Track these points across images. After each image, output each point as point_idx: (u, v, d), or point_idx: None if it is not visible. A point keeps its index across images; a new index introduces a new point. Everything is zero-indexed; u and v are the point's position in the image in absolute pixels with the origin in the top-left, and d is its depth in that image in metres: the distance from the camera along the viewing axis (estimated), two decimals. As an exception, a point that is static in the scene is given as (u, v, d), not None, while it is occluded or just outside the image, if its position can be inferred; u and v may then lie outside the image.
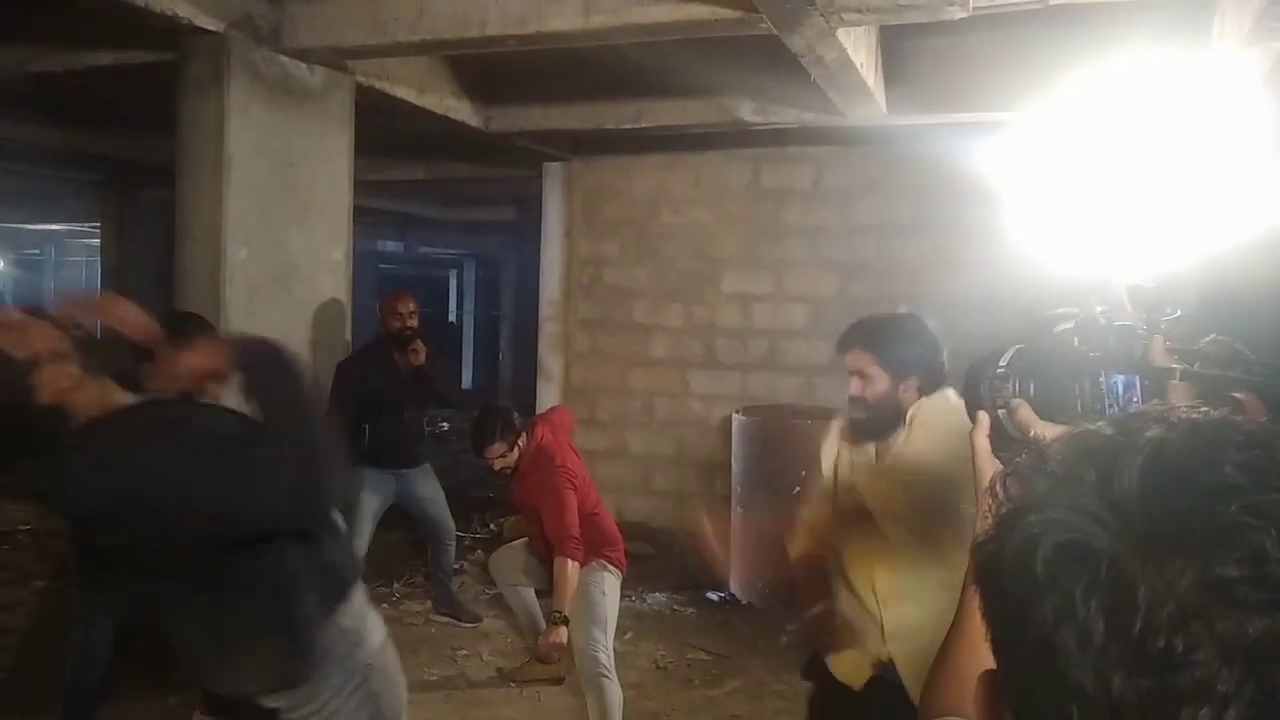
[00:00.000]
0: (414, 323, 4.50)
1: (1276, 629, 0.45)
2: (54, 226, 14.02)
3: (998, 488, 0.57)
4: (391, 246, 14.89)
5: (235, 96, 3.86)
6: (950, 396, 2.15)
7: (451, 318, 18.22)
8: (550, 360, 6.74)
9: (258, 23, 3.92)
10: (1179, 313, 3.23)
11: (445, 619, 4.95)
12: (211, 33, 3.76)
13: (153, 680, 3.83)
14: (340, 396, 4.31)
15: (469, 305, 17.51)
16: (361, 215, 11.93)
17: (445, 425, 12.08)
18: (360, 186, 8.70)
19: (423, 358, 4.46)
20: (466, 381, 16.42)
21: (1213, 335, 3.39)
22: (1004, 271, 5.49)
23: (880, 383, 2.13)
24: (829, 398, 6.10)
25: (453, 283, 18.54)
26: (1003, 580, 0.54)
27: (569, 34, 3.67)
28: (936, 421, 2.07)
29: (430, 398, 4.76)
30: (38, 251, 17.37)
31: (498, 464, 3.63)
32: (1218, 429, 0.53)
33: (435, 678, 4.27)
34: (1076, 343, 2.25)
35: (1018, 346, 1.23)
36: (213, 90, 3.83)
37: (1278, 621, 0.45)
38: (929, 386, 2.18)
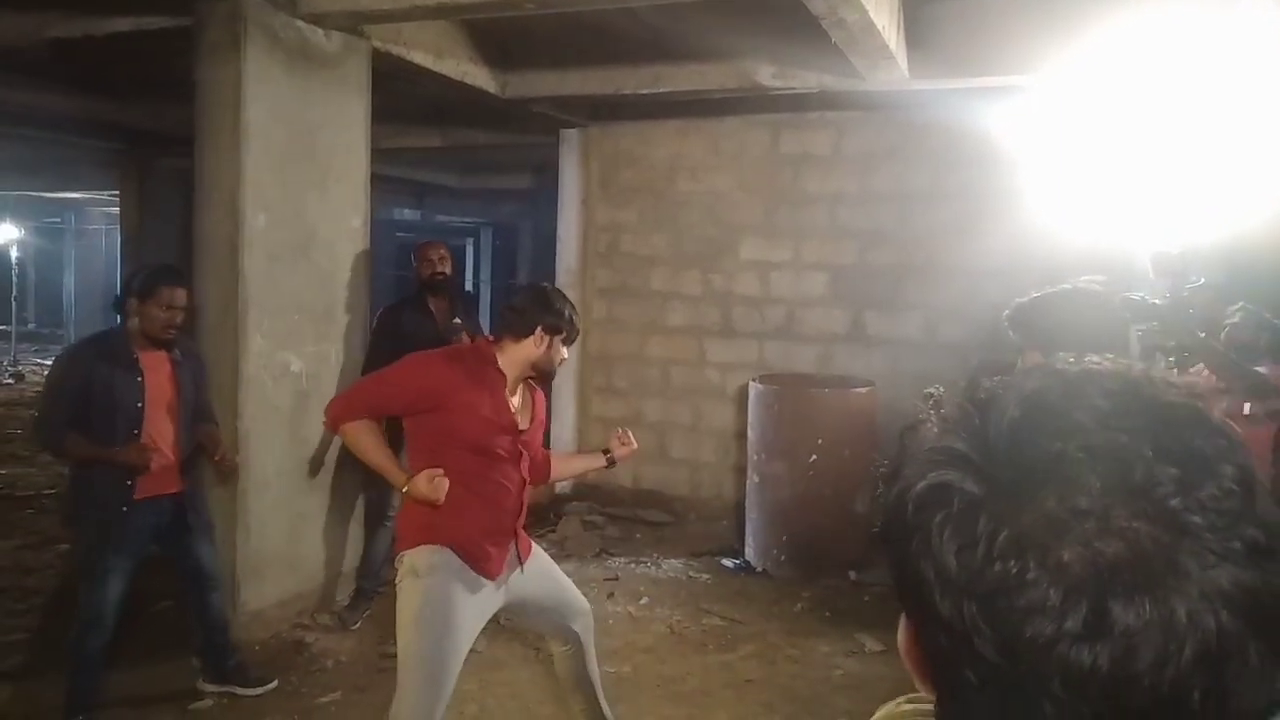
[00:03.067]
0: (445, 269, 4.61)
1: (1099, 558, 0.49)
2: (73, 195, 14.08)
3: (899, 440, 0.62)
4: (409, 214, 14.87)
5: (253, 62, 3.85)
6: None
7: (469, 286, 18.24)
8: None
9: (274, -13, 3.91)
10: (1202, 280, 3.16)
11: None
12: (228, -3, 3.75)
13: (172, 642, 3.91)
14: (378, 342, 4.50)
15: (485, 274, 17.50)
16: (378, 183, 11.90)
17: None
18: (377, 154, 8.68)
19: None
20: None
21: (1241, 304, 3.32)
22: (1025, 238, 5.48)
23: None
24: (846, 367, 6.09)
25: (469, 251, 18.52)
26: (888, 526, 0.58)
27: (587, -3, 3.64)
28: None
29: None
30: (58, 220, 17.45)
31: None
32: (1091, 376, 0.56)
33: (454, 640, 4.32)
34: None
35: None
36: (230, 56, 3.82)
37: (1100, 551, 0.49)
38: None
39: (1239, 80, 4.27)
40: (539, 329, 2.76)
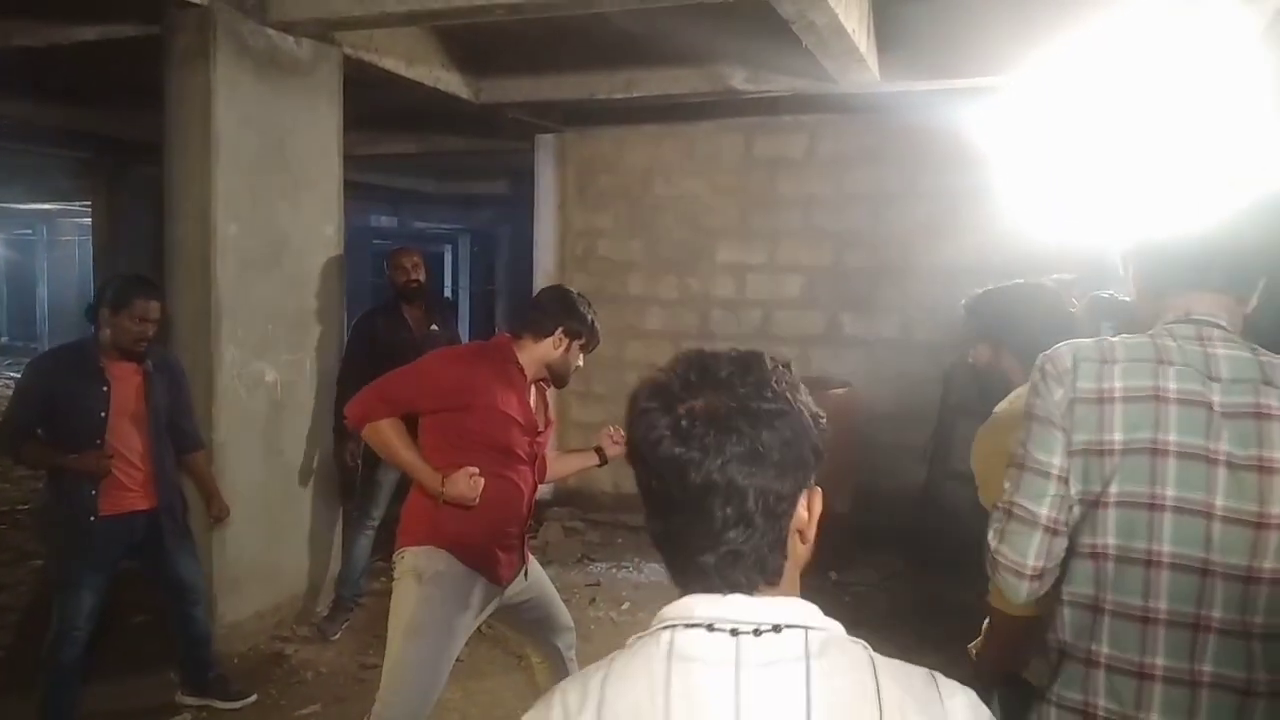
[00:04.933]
0: (419, 275, 4.56)
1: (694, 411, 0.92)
2: (45, 205, 13.92)
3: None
4: (385, 222, 14.80)
5: (222, 70, 3.82)
6: None
7: (447, 292, 18.17)
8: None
9: (244, -5, 3.88)
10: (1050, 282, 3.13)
11: None
12: (197, 5, 3.73)
13: (149, 656, 3.87)
14: (354, 351, 4.47)
15: (464, 280, 17.44)
16: (354, 191, 11.84)
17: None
18: (353, 161, 8.65)
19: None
20: (463, 356, 16.40)
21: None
22: (998, 237, 5.53)
23: None
24: (823, 368, 6.11)
25: (448, 258, 18.45)
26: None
27: (556, 1, 3.63)
28: None
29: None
30: (29, 231, 17.26)
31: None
32: (743, 353, 0.97)
33: (434, 649, 4.29)
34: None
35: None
36: (199, 63, 3.79)
37: (693, 407, 0.92)
38: None
39: (1205, 78, 4.33)
40: (560, 331, 2.74)
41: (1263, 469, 1.36)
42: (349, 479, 4.58)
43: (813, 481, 0.96)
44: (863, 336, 6.10)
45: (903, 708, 0.88)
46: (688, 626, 0.90)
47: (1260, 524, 1.36)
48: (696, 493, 0.90)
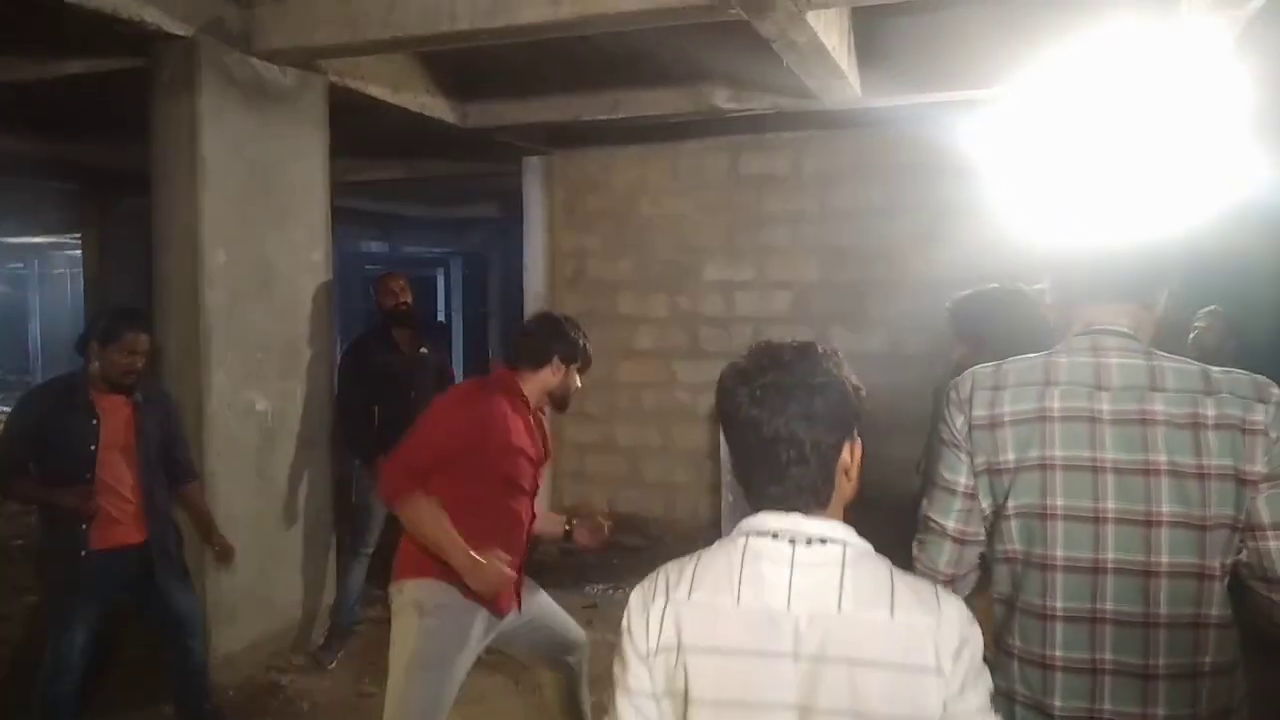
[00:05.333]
0: (406, 299, 4.56)
1: (742, 405, 1.26)
2: (36, 239, 13.94)
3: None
4: (376, 247, 14.83)
5: (207, 100, 3.84)
6: None
7: (441, 316, 18.19)
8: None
9: (228, 26, 3.91)
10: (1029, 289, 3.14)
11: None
12: (182, 38, 3.75)
13: (145, 690, 3.84)
14: (346, 379, 4.50)
15: (456, 303, 17.47)
16: (344, 217, 11.86)
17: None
18: (342, 188, 8.68)
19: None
20: (458, 378, 16.39)
21: (1211, 308, 3.47)
22: (985, 249, 5.55)
23: None
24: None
25: (440, 281, 18.47)
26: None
27: (539, 25, 3.66)
28: None
29: (434, 377, 4.69)
30: (21, 265, 17.25)
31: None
32: (802, 343, 1.31)
33: (430, 674, 4.27)
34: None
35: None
36: (185, 95, 3.81)
37: (742, 401, 1.26)
38: None
39: (1184, 88, 4.37)
40: (555, 358, 2.76)
41: (1149, 471, 1.47)
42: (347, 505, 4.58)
43: (855, 434, 1.30)
44: (852, 350, 5.93)
45: (907, 603, 1.20)
46: (759, 535, 1.26)
47: (1149, 522, 1.47)
48: (767, 442, 1.25)
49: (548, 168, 6.70)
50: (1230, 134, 4.36)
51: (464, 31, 3.72)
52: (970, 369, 1.64)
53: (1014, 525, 1.53)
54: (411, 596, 2.61)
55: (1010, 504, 1.53)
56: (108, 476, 3.18)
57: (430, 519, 2.54)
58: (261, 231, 4.16)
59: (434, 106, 5.36)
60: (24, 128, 6.38)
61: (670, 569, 1.30)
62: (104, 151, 7.01)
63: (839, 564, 1.21)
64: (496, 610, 2.69)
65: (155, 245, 3.97)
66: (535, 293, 6.71)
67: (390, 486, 2.58)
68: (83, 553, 3.13)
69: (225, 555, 3.64)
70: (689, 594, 1.24)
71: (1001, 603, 1.59)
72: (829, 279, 6.19)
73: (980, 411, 1.56)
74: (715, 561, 1.26)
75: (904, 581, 1.23)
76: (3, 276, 18.00)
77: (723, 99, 5.18)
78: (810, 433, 1.24)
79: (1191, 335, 4.65)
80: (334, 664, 4.33)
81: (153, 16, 3.57)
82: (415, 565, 2.63)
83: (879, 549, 1.26)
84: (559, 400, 2.86)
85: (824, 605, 1.19)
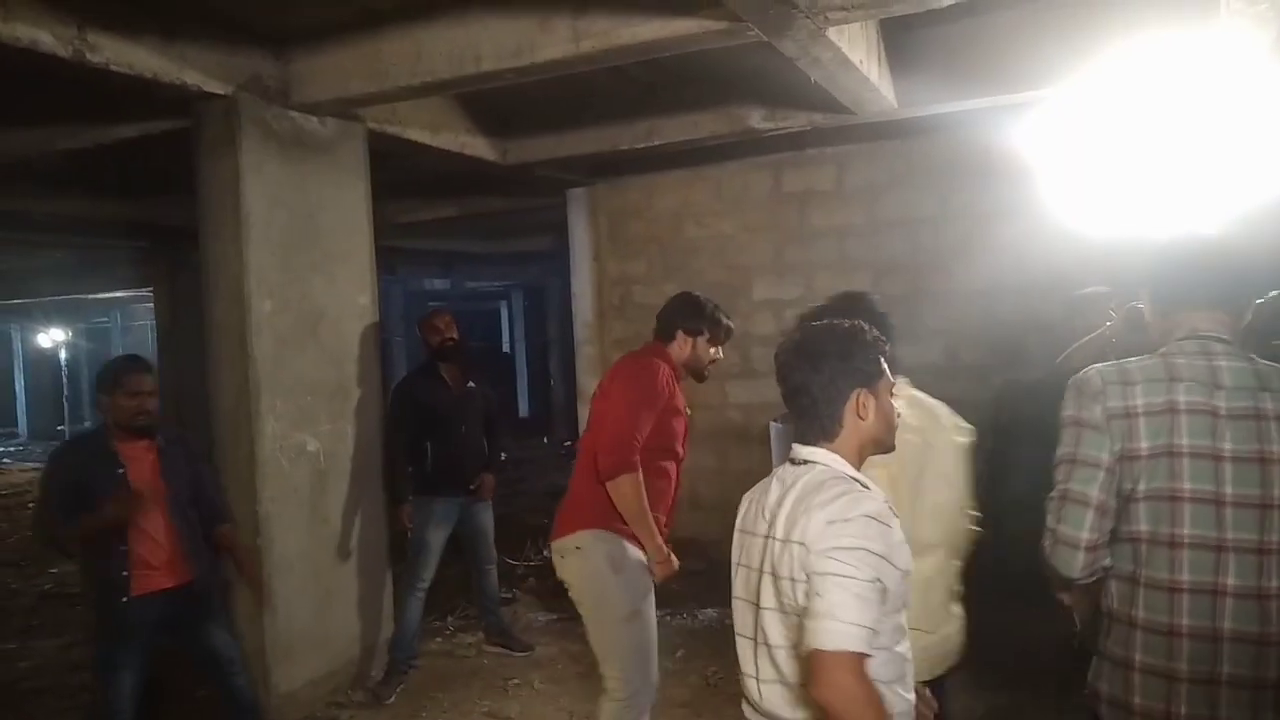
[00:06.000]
0: (453, 334, 4.64)
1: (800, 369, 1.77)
2: (117, 294, 14.56)
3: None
4: (439, 284, 15.13)
5: (249, 155, 3.98)
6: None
7: (506, 347, 18.44)
8: (589, 383, 6.76)
9: (266, 82, 4.05)
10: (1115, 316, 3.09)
11: (498, 649, 4.98)
12: (222, 96, 3.89)
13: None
14: (397, 418, 4.60)
15: (520, 333, 17.70)
16: (406, 256, 12.16)
17: (503, 456, 12.23)
18: (400, 229, 8.91)
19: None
20: (522, 410, 16.55)
21: (1275, 292, 3.39)
22: (1035, 253, 5.43)
23: None
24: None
25: (504, 313, 18.77)
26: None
27: (562, 61, 3.71)
28: None
29: (483, 411, 4.83)
30: (105, 319, 18.03)
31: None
32: (834, 325, 1.82)
33: (486, 708, 4.29)
34: None
35: None
36: (226, 150, 3.95)
37: (778, 361, 1.83)
38: None
39: (1220, 92, 4.23)
40: (680, 332, 3.07)
41: (1264, 460, 1.70)
42: (403, 541, 4.64)
43: (877, 386, 1.76)
44: (907, 364, 5.91)
45: (814, 496, 1.67)
46: (789, 462, 1.77)
47: (1264, 505, 1.69)
48: (790, 391, 1.77)
49: (591, 198, 6.76)
50: (1267, 136, 4.20)
51: (490, 73, 3.79)
52: (1089, 368, 1.85)
53: (1142, 508, 1.74)
54: (603, 550, 2.90)
55: (1141, 488, 1.73)
56: (139, 522, 3.22)
57: (639, 499, 2.86)
58: (307, 279, 4.27)
59: (474, 146, 5.46)
60: (91, 190, 6.69)
61: (753, 489, 1.87)
62: (168, 210, 7.29)
63: (802, 476, 1.71)
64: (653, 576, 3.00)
65: (204, 296, 4.10)
66: (585, 321, 6.76)
67: (616, 462, 2.84)
68: (124, 599, 3.19)
69: (257, 590, 3.68)
70: (749, 494, 1.87)
71: (1123, 579, 1.78)
72: (879, 292, 6.02)
73: (1115, 403, 1.76)
74: (769, 477, 1.81)
75: (829, 485, 1.67)
76: (89, 331, 18.81)
77: (757, 119, 5.16)
78: (817, 385, 1.72)
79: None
80: (393, 699, 4.38)
81: (192, 79, 3.72)
82: (591, 517, 2.92)
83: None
84: (694, 372, 3.12)
85: (787, 505, 1.68)
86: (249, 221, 3.97)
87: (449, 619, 5.46)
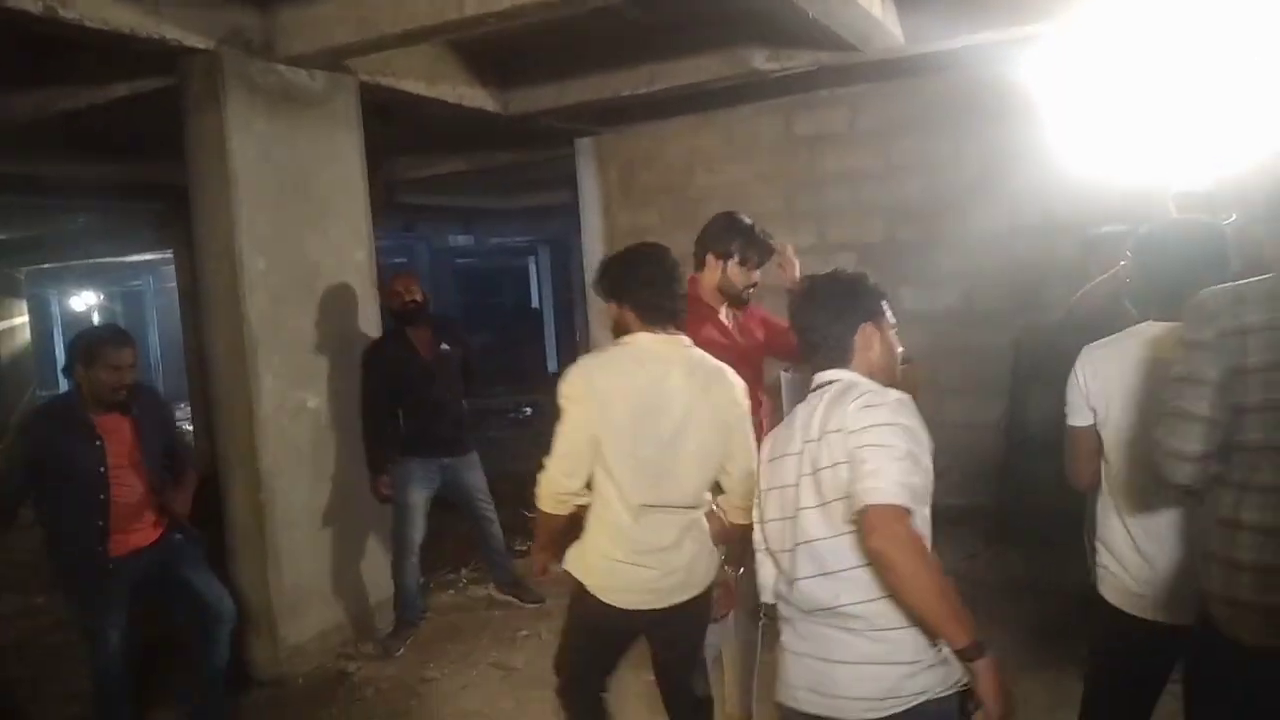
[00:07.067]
0: (416, 297, 4.43)
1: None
2: (149, 256, 14.73)
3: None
4: (463, 240, 15.11)
5: (234, 111, 3.93)
6: None
7: (535, 303, 18.44)
8: (603, 337, 6.71)
9: (249, 35, 3.98)
10: (1234, 217, 3.04)
11: (508, 598, 4.98)
12: (204, 51, 3.84)
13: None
14: (372, 386, 4.41)
15: (548, 290, 17.67)
16: (426, 214, 12.08)
17: (529, 410, 12.25)
18: (415, 185, 8.84)
19: None
20: (551, 366, 16.60)
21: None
22: (1054, 193, 5.25)
23: None
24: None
25: (532, 269, 18.74)
26: None
27: (547, 3, 3.60)
28: None
29: (458, 372, 4.66)
30: (139, 282, 18.30)
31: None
32: (839, 275, 2.09)
33: (494, 658, 4.32)
34: None
35: None
36: (211, 107, 3.91)
37: (808, 307, 2.06)
38: None
39: (1245, 17, 4.00)
40: (709, 256, 3.05)
41: None
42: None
43: (880, 323, 2.02)
44: (923, 310, 5.83)
45: (845, 397, 1.87)
46: (815, 386, 1.99)
47: None
48: (808, 327, 2.01)
49: (599, 148, 6.65)
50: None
51: (472, 18, 3.67)
52: (1206, 290, 1.90)
53: (1255, 418, 1.80)
54: None
55: (1255, 399, 1.80)
56: (121, 494, 3.22)
57: None
58: (301, 235, 4.24)
59: (473, 96, 5.36)
60: (98, 152, 6.69)
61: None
62: (180, 170, 7.30)
63: (835, 387, 1.93)
64: None
65: (196, 255, 4.10)
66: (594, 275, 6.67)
67: None
68: (110, 565, 3.20)
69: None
70: (770, 434, 2.08)
71: (1233, 486, 1.86)
72: (894, 237, 5.94)
73: (1228, 323, 1.82)
74: (785, 419, 2.05)
75: (857, 389, 1.88)
76: (125, 294, 19.11)
77: (761, 60, 5.00)
78: (827, 321, 1.98)
79: None
80: (401, 651, 4.41)
81: (171, 33, 3.66)
82: None
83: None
84: (730, 297, 3.08)
85: (819, 413, 1.89)
86: (237, 179, 3.93)
87: (462, 571, 5.49)
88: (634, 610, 2.51)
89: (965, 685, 1.83)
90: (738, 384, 2.51)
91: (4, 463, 3.34)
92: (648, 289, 2.44)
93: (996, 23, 4.50)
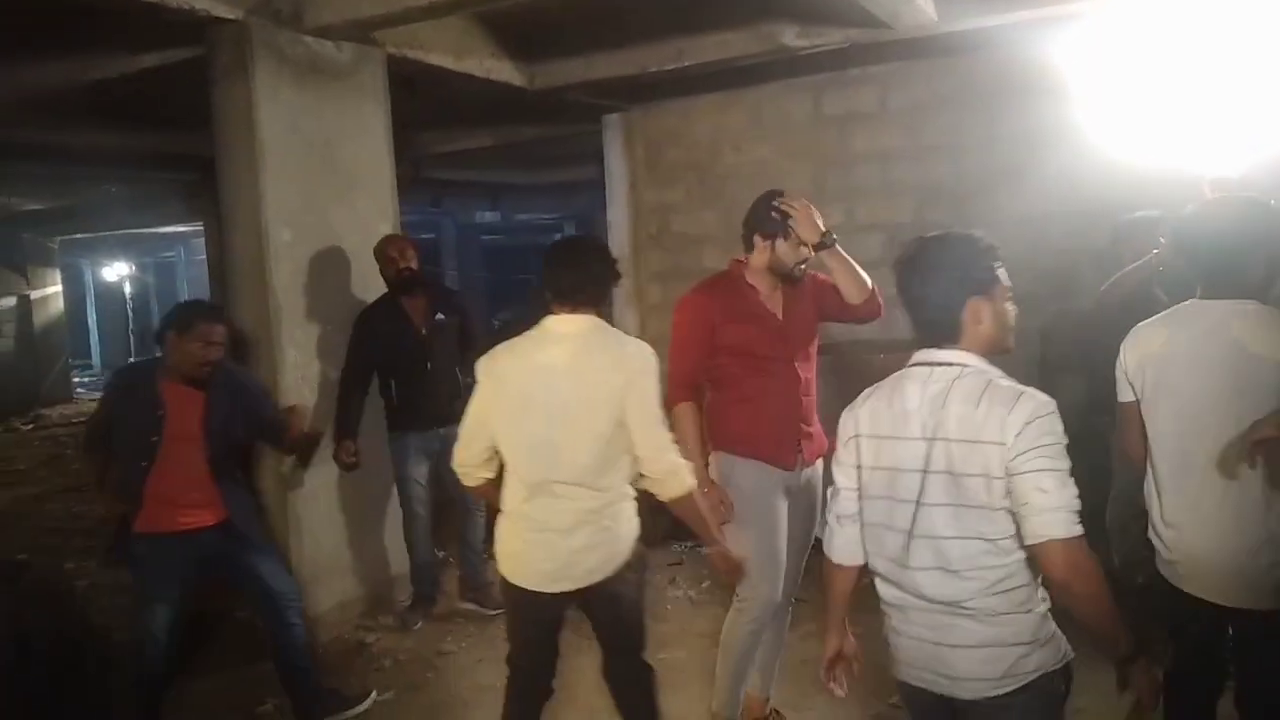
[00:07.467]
0: (412, 263, 4.22)
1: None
2: (181, 228, 14.86)
3: None
4: (489, 217, 15.10)
5: (262, 81, 3.93)
6: None
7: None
8: (625, 315, 6.70)
9: (277, 6, 3.98)
10: (1272, 202, 2.97)
11: (471, 605, 4.64)
12: (232, 21, 3.84)
13: (242, 650, 4.04)
14: (356, 354, 4.24)
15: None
16: (453, 189, 12.07)
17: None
18: (441, 160, 8.82)
19: None
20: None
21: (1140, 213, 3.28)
22: (1087, 178, 5.14)
23: None
24: (909, 330, 5.83)
25: (559, 246, 18.69)
26: None
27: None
28: None
29: (454, 342, 4.45)
30: (171, 253, 18.47)
31: None
32: (946, 235, 1.95)
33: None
34: None
35: None
36: (239, 77, 3.91)
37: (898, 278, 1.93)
38: None
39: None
40: (756, 238, 3.05)
41: None
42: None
43: (992, 293, 1.88)
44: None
45: (992, 399, 1.77)
46: (912, 365, 1.91)
47: None
48: (910, 302, 1.91)
49: (626, 124, 6.60)
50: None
51: (498, -12, 3.66)
52: None
53: None
54: (713, 471, 3.01)
55: None
56: (169, 466, 3.17)
57: (691, 427, 2.94)
58: (326, 207, 4.25)
59: (500, 70, 5.34)
60: (127, 122, 6.72)
61: (865, 391, 1.99)
62: (208, 141, 7.33)
63: (953, 379, 1.82)
64: (781, 464, 3.02)
65: (223, 227, 4.12)
66: (620, 252, 6.64)
67: (670, 398, 2.92)
68: (158, 537, 3.19)
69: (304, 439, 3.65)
70: (865, 402, 1.97)
71: None
72: (923, 218, 5.86)
73: None
74: (884, 384, 1.95)
75: (999, 387, 1.78)
76: (158, 266, 19.30)
77: (790, 37, 4.93)
78: (935, 296, 1.86)
79: None
80: (420, 624, 4.45)
81: (201, 3, 3.67)
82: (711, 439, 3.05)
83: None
84: (782, 275, 3.06)
85: (938, 405, 1.82)
86: (265, 150, 3.95)
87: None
88: (542, 592, 2.57)
89: (1069, 659, 1.88)
90: (638, 350, 2.56)
91: (98, 408, 3.43)
92: (548, 268, 2.57)
93: (1032, 1, 4.41)
